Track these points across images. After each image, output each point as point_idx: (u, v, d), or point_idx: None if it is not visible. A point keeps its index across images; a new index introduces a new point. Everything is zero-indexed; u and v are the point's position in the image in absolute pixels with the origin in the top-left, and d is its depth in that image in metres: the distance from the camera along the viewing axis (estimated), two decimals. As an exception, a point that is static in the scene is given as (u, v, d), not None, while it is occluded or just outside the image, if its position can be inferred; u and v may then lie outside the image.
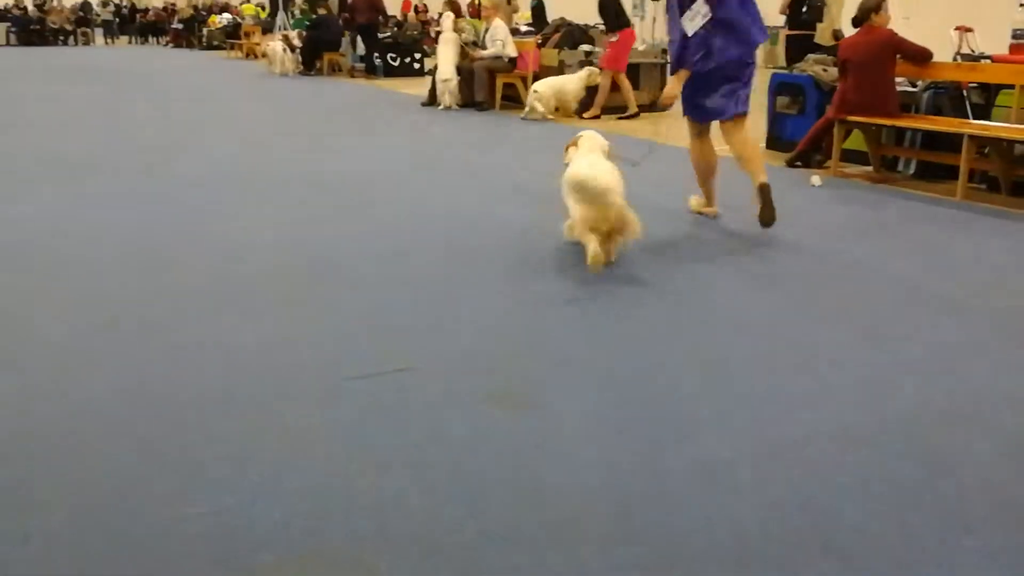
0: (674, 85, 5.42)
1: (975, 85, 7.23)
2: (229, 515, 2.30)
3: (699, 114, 5.51)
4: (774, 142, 8.43)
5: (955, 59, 9.33)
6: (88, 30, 34.29)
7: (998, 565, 2.12)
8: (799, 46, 11.68)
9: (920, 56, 6.94)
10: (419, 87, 14.14)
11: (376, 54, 17.68)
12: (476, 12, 20.26)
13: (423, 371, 3.22)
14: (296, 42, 17.99)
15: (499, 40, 11.69)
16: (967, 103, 7.20)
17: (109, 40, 34.98)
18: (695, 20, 5.12)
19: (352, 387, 3.08)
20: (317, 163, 7.76)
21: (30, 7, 34.44)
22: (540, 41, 13.04)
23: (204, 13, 32.91)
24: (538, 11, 21.75)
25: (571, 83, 10.92)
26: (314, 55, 18.21)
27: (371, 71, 17.54)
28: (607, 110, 11.02)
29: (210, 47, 28.05)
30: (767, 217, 5.14)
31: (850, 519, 2.29)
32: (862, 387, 3.12)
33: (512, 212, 5.84)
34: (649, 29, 17.59)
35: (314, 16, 19.39)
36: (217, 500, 2.36)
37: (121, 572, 2.08)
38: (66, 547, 2.16)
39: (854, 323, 3.79)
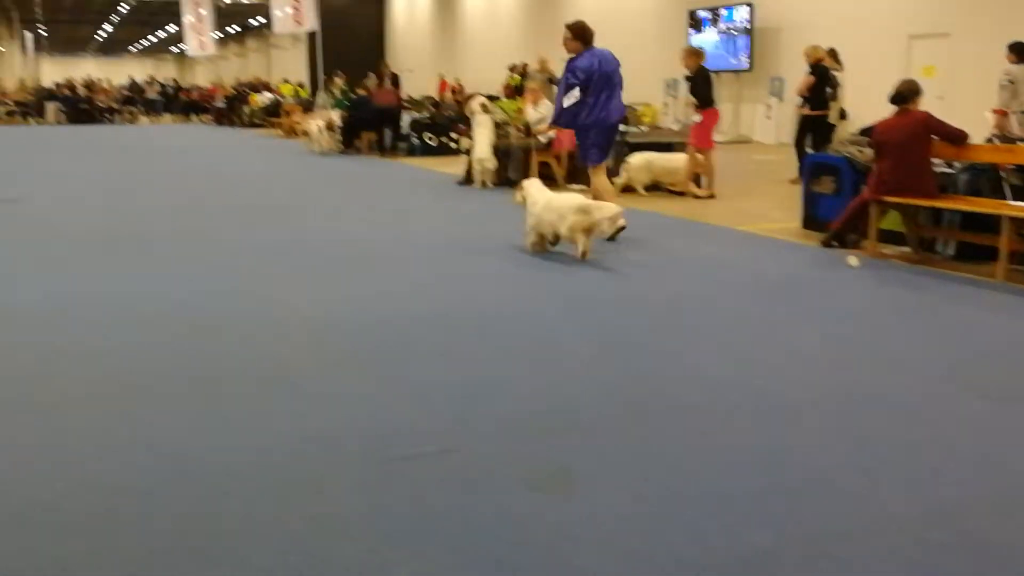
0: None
1: (1013, 167, 7.23)
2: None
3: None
4: (810, 222, 8.44)
5: (991, 141, 9.34)
6: (134, 108, 35.32)
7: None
8: (815, 126, 12.28)
9: (956, 138, 6.97)
10: (455, 166, 14.37)
11: (414, 133, 18.03)
12: (510, 93, 20.67)
13: (464, 450, 3.22)
14: (337, 122, 18.37)
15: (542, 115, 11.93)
16: (1005, 185, 7.20)
17: (154, 118, 36.02)
18: (570, 98, 7.74)
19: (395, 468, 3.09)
20: (352, 235, 7.87)
21: (79, 87, 35.65)
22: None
23: (246, 92, 33.79)
24: (573, 91, 22.12)
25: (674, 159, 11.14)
26: (353, 134, 18.58)
27: (410, 151, 17.88)
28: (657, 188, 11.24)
29: (251, 125, 28.71)
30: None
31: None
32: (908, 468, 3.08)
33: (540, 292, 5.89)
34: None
35: (353, 96, 19.86)
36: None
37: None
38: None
39: (892, 407, 3.75)
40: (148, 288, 5.94)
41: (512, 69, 23.74)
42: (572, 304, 5.54)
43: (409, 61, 38.49)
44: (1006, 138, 8.95)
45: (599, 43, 7.92)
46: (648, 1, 24.41)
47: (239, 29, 59.82)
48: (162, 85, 40.46)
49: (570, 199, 6.90)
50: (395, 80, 23.02)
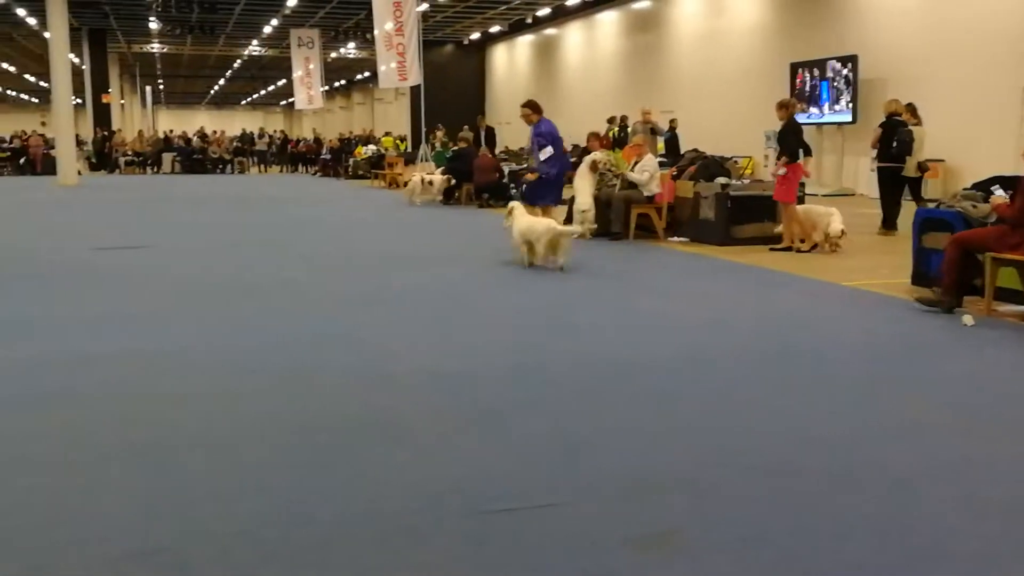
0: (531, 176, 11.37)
1: None
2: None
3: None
4: (919, 278, 8.20)
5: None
6: (244, 159, 36.76)
7: None
8: (890, 178, 12.48)
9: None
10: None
11: (512, 185, 18.27)
12: (608, 144, 20.79)
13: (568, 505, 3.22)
14: (439, 182, 18.73)
15: (647, 171, 11.96)
16: None
17: (263, 169, 37.40)
18: (544, 152, 10.60)
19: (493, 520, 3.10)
20: (453, 284, 7.99)
21: (194, 138, 37.33)
22: (675, 173, 13.22)
23: (352, 144, 34.82)
24: (671, 143, 22.19)
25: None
26: (453, 186, 18.92)
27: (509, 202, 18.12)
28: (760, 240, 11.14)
29: (355, 176, 29.50)
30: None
31: None
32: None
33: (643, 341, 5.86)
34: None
35: (454, 149, 20.26)
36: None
37: None
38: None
39: (1012, 476, 3.60)
40: (251, 338, 6.14)
41: (611, 121, 23.90)
42: (685, 355, 5.51)
43: (508, 113, 39.11)
44: None
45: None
46: (749, 53, 24.30)
47: (345, 83, 61.81)
48: (271, 137, 42.02)
49: (545, 221, 9.08)
50: (490, 134, 23.40)
